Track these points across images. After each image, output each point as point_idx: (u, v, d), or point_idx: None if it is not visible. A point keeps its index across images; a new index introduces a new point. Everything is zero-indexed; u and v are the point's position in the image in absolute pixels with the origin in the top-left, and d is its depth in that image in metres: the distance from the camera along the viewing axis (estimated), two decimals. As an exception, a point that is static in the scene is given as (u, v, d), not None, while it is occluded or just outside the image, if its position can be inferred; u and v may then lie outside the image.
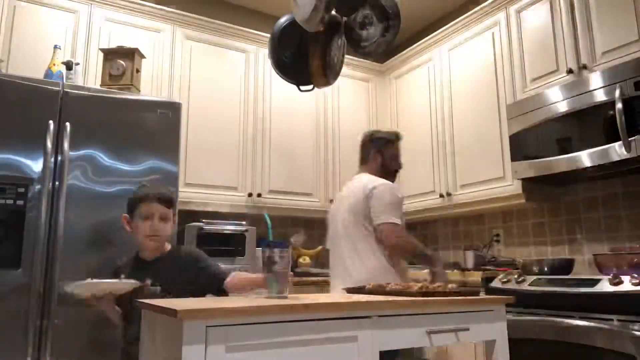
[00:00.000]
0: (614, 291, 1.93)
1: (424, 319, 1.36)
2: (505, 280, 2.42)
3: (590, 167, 2.35)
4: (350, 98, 3.87)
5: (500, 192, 2.91)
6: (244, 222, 3.13)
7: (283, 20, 2.33)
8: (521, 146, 2.70)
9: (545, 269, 2.43)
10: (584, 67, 2.49)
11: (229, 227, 3.03)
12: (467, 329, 1.42)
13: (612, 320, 1.90)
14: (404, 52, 3.80)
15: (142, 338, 1.35)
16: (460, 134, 3.25)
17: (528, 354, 2.19)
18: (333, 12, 2.08)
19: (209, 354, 1.04)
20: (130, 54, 2.72)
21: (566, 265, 2.44)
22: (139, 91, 2.78)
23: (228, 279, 1.78)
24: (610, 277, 1.99)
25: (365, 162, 2.49)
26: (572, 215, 2.86)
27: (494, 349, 1.47)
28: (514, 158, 2.74)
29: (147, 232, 1.77)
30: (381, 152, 2.46)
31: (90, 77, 2.86)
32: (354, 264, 2.24)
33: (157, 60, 3.10)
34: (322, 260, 3.82)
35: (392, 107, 3.92)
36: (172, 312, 1.04)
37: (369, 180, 2.32)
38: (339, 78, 2.33)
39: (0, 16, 2.67)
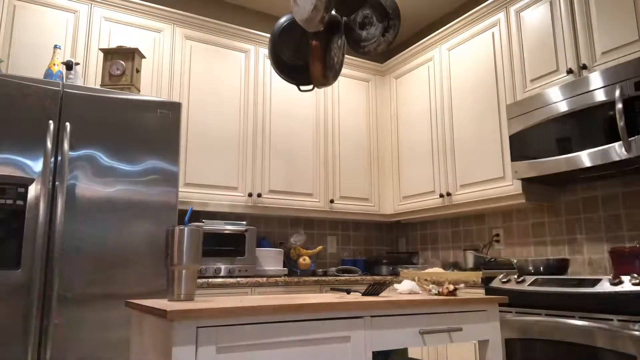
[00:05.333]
0: (614, 291, 1.92)
1: (417, 319, 1.36)
2: (505, 280, 2.42)
3: (590, 167, 2.35)
4: (350, 98, 3.86)
5: (500, 192, 2.90)
6: (244, 222, 3.14)
7: (283, 20, 2.34)
8: (521, 146, 2.69)
9: (541, 268, 2.44)
10: (584, 67, 2.48)
11: (229, 227, 3.04)
12: (460, 329, 1.41)
13: (612, 320, 1.90)
14: (404, 52, 3.80)
15: (132, 339, 1.35)
16: (460, 134, 3.24)
17: (528, 354, 2.19)
18: (333, 12, 2.08)
19: (199, 355, 1.04)
20: (130, 54, 2.73)
21: (561, 265, 2.44)
22: (139, 91, 2.78)
23: None
24: (610, 277, 1.98)
25: None
26: (572, 215, 2.85)
27: (487, 348, 1.47)
28: (514, 158, 2.73)
29: None
30: None
31: (90, 77, 2.87)
32: None
33: (157, 60, 3.11)
34: (321, 260, 3.83)
35: (392, 107, 3.92)
36: (161, 313, 1.04)
37: None
38: (339, 78, 2.33)
39: (0, 16, 2.68)
